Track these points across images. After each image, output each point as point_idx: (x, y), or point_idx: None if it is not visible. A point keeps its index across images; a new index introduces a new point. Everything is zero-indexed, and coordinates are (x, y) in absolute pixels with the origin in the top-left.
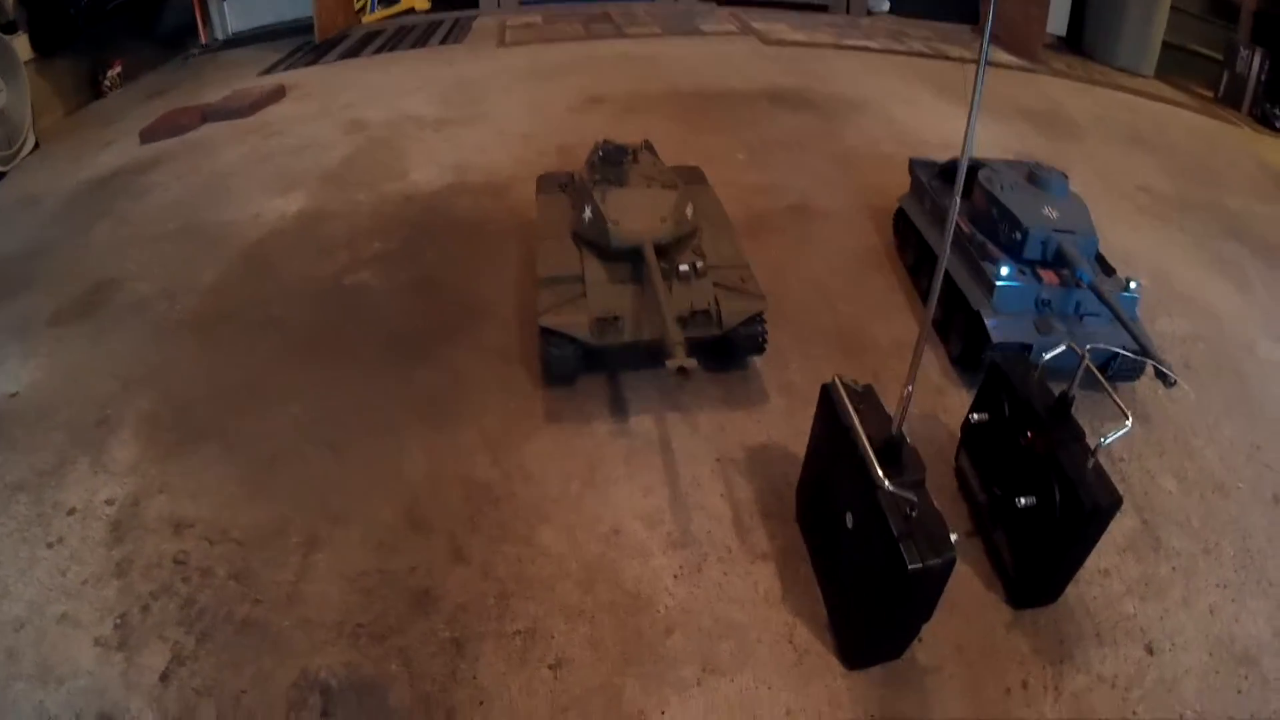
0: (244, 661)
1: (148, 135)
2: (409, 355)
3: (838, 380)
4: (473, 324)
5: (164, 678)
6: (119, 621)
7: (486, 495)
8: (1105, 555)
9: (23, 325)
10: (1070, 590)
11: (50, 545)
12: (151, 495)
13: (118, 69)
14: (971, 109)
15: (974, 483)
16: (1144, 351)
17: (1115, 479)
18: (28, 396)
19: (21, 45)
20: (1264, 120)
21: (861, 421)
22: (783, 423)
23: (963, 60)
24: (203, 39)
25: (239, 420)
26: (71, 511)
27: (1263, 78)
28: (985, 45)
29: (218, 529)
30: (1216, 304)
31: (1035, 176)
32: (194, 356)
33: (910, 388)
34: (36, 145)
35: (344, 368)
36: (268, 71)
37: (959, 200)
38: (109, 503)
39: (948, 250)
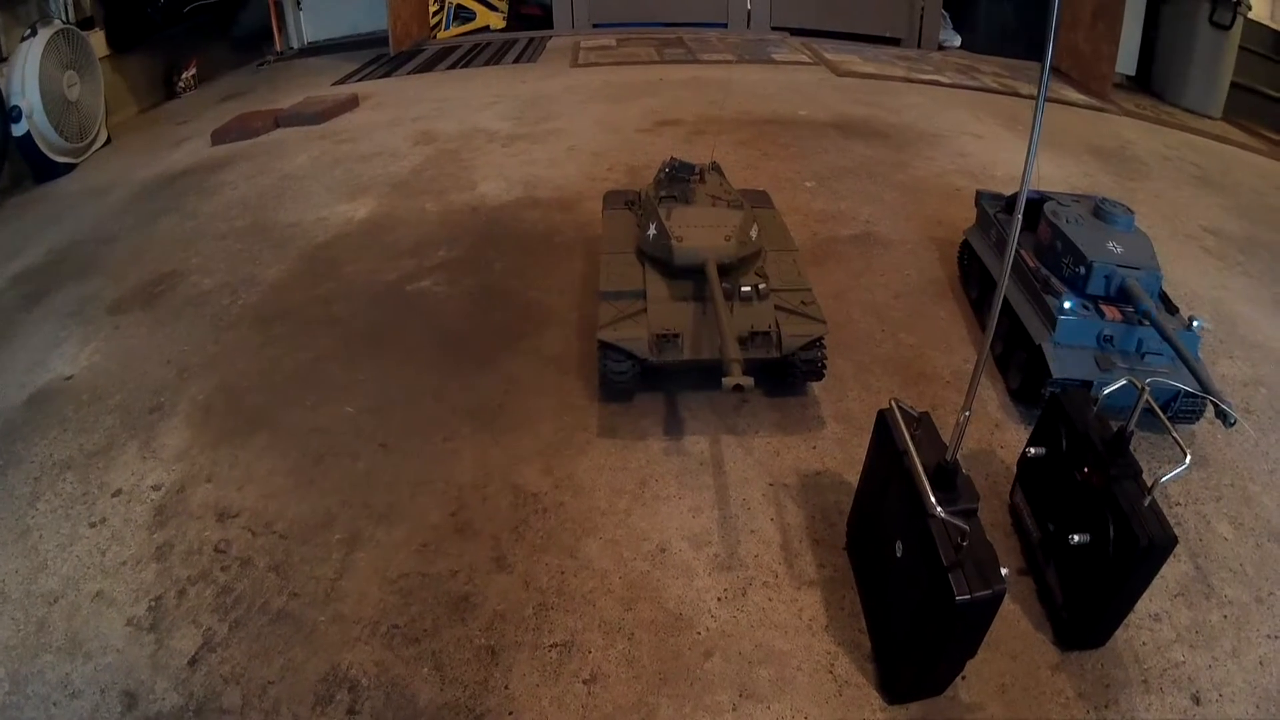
0: (274, 652)
1: (219, 136)
2: (467, 360)
3: (894, 404)
4: (533, 334)
5: (193, 662)
6: (153, 604)
7: (534, 504)
8: (1157, 599)
9: (83, 310)
10: (1120, 634)
11: (93, 525)
12: (198, 483)
13: (192, 70)
14: (1032, 137)
15: (1028, 519)
16: (1205, 389)
17: (1170, 522)
18: (83, 379)
19: (98, 41)
20: None
21: (916, 447)
22: (838, 450)
23: (1033, 97)
24: (278, 46)
25: (291, 414)
26: (117, 493)
27: None
28: (1045, 76)
29: (261, 520)
30: None
31: (1101, 211)
32: (251, 350)
33: (967, 414)
34: (109, 140)
35: (401, 369)
36: (341, 81)
37: (1019, 227)
38: (155, 488)
39: (1007, 273)
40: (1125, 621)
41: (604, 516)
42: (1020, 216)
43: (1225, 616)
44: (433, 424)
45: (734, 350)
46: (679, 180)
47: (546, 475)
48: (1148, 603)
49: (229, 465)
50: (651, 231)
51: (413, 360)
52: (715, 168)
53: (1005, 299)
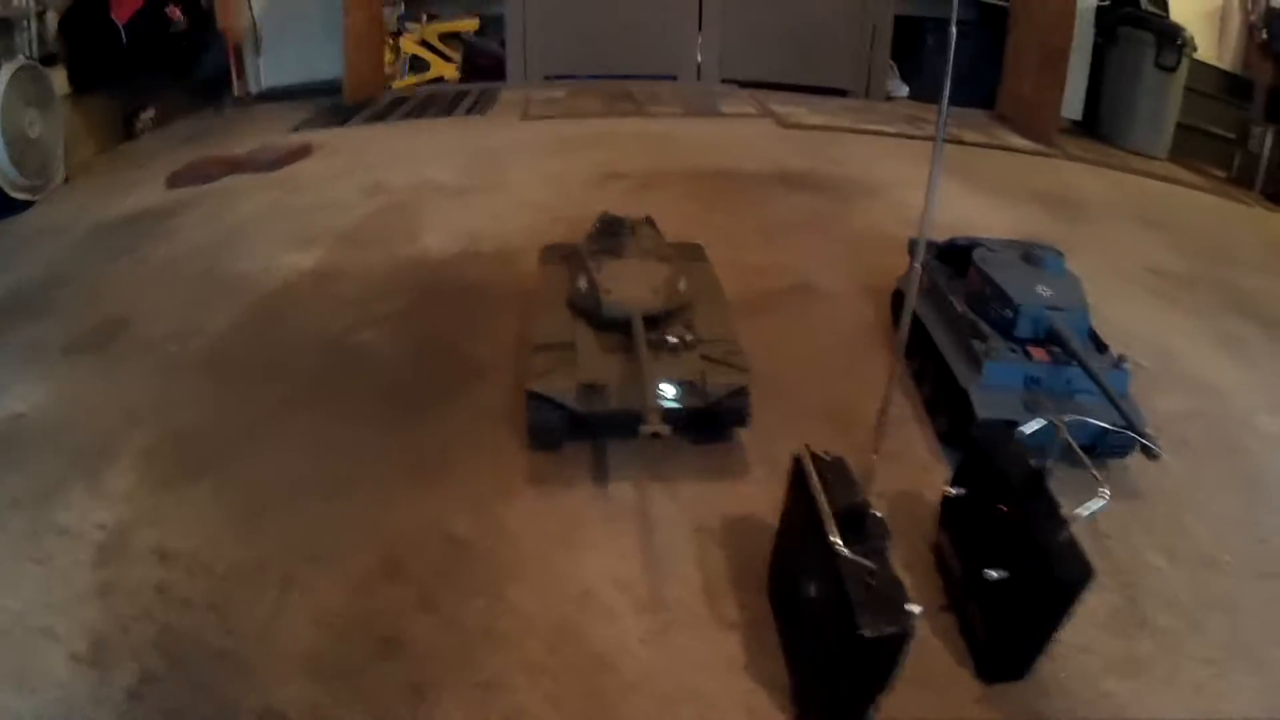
0: (212, 688)
1: (175, 180)
2: (405, 412)
3: (806, 450)
4: (469, 386)
5: (133, 696)
6: (96, 640)
7: (463, 551)
8: (1084, 631)
9: (37, 349)
10: (1045, 666)
11: (39, 561)
12: (141, 525)
13: (152, 112)
14: (931, 180)
15: (951, 557)
16: (1129, 425)
17: (1100, 555)
18: (34, 418)
19: (59, 78)
20: (1276, 198)
21: (829, 490)
22: (762, 495)
23: (978, 145)
24: (236, 91)
25: (233, 462)
26: (63, 532)
27: (1275, 155)
28: (942, 122)
29: (201, 562)
30: (1218, 380)
31: (1030, 255)
32: (197, 397)
33: (874, 456)
34: (67, 178)
35: (340, 420)
36: (297, 129)
37: (917, 275)
38: (100, 527)
39: (913, 297)
40: (1050, 654)
41: (531, 561)
42: (918, 264)
43: (1158, 645)
44: (369, 474)
45: (653, 399)
46: (611, 235)
47: (477, 522)
48: (1074, 634)
49: (172, 509)
50: (582, 284)
51: (353, 411)
52: (648, 222)
53: (934, 344)
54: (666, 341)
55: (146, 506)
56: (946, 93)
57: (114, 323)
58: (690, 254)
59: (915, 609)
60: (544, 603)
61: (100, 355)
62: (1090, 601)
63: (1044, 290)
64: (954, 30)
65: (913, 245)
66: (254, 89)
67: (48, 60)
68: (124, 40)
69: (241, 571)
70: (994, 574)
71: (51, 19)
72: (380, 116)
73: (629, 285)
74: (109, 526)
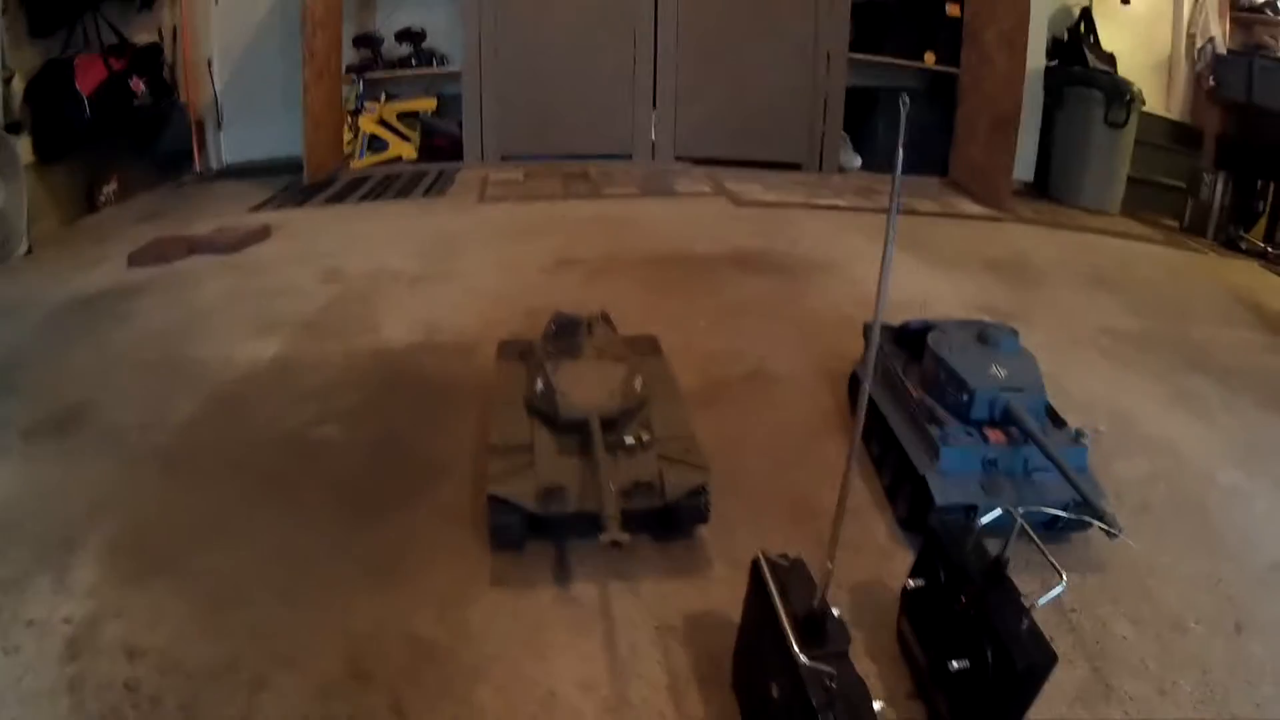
0: None
1: (136, 260)
2: (365, 510)
3: (762, 555)
4: (429, 485)
5: None
6: None
7: (428, 653)
8: (1053, 707)
9: None
10: None
11: (7, 652)
12: (108, 619)
13: (114, 185)
14: (883, 269)
15: (915, 646)
16: (1085, 505)
17: (1065, 631)
18: None
19: (24, 147)
20: (1228, 244)
21: (788, 595)
22: (725, 591)
23: (931, 214)
24: (197, 166)
25: (197, 557)
26: (30, 623)
27: (1226, 201)
28: (894, 209)
29: (170, 659)
30: (1177, 439)
31: (984, 335)
32: (158, 490)
33: (830, 564)
34: (30, 249)
35: (301, 517)
36: (257, 209)
37: (872, 364)
38: (67, 621)
39: (870, 376)
40: None
41: (495, 663)
42: (873, 355)
43: (1126, 713)
44: (332, 574)
45: (611, 507)
46: (567, 334)
47: (440, 624)
48: (1043, 710)
49: (138, 604)
50: (539, 386)
51: (314, 508)
52: (604, 318)
53: (892, 431)
54: (624, 442)
55: (112, 600)
56: (898, 180)
57: (75, 409)
58: (646, 348)
59: (880, 706)
60: (509, 706)
61: (61, 441)
62: (1058, 677)
63: (999, 371)
64: (905, 104)
65: (866, 330)
66: (215, 165)
67: (12, 128)
68: (88, 111)
69: (211, 670)
70: (956, 664)
71: (17, 85)
72: (339, 197)
73: (585, 388)
74: (76, 620)
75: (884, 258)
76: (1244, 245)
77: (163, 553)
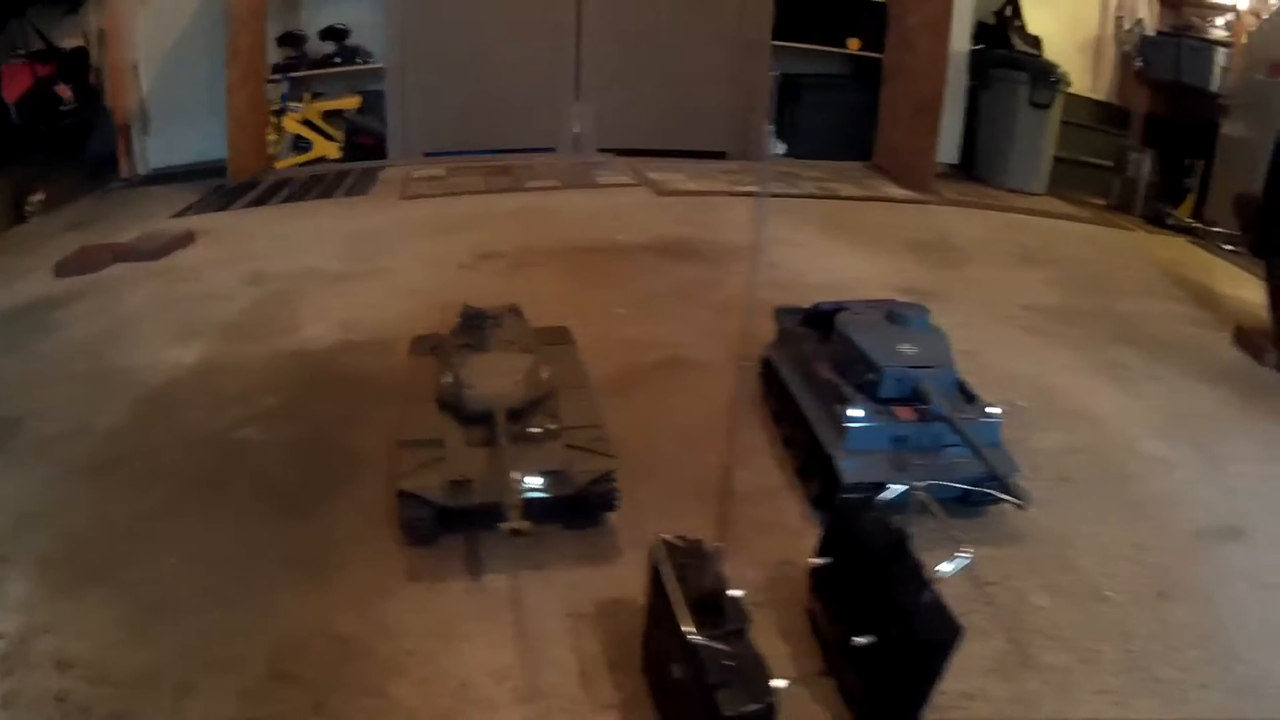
0: None
1: (62, 269)
2: (288, 512)
3: (661, 539)
4: (348, 483)
5: None
6: None
7: (347, 650)
8: (969, 679)
9: None
10: (931, 717)
11: None
12: (38, 633)
13: (41, 195)
14: (753, 254)
15: (824, 623)
16: (992, 477)
17: (982, 603)
18: None
19: None
20: (1155, 220)
21: (687, 575)
22: (634, 577)
23: (854, 198)
24: (124, 172)
25: (125, 566)
26: None
27: (1153, 178)
28: (763, 195)
29: (99, 670)
30: (1100, 410)
31: (894, 314)
32: (86, 500)
33: (720, 544)
34: None
35: (225, 520)
36: (181, 214)
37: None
38: (0, 636)
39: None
40: (934, 704)
41: (411, 657)
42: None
43: (1046, 682)
44: (256, 574)
45: (511, 496)
46: (475, 328)
47: (359, 620)
48: (958, 682)
49: (68, 616)
50: (447, 380)
51: (238, 510)
52: (514, 311)
53: (802, 411)
54: (530, 433)
55: (42, 614)
56: (765, 168)
57: (5, 422)
58: (556, 338)
59: (780, 684)
60: (425, 698)
61: None
62: (972, 649)
63: (908, 349)
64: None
65: (778, 314)
66: (142, 170)
67: None
68: (14, 119)
69: (138, 678)
70: (862, 640)
71: None
72: (263, 199)
73: (491, 379)
74: (8, 635)
75: (754, 243)
76: (1171, 222)
77: (92, 563)
